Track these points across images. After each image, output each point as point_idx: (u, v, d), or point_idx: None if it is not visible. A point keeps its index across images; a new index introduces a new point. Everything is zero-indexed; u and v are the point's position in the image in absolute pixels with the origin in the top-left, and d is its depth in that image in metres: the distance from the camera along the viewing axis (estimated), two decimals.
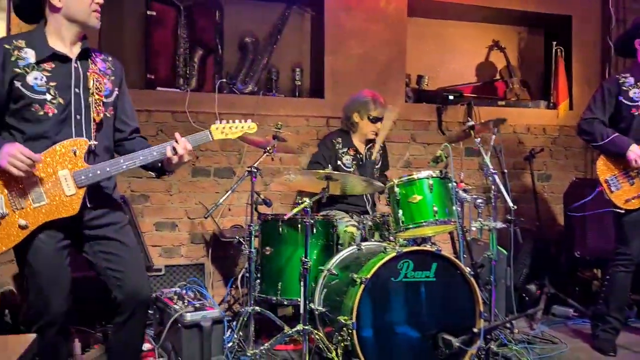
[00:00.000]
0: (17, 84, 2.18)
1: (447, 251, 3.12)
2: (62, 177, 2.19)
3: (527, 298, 4.20)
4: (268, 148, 3.33)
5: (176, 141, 2.30)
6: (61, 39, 2.27)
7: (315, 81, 4.77)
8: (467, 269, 3.01)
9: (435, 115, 4.85)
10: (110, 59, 2.44)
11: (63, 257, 2.26)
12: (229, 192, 3.28)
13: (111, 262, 2.32)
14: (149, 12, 4.33)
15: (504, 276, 3.68)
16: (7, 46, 2.20)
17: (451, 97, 4.82)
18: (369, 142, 3.98)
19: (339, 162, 3.84)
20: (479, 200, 3.28)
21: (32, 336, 1.27)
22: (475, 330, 2.97)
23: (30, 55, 2.21)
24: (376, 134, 3.95)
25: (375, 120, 3.86)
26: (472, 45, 5.32)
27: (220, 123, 2.41)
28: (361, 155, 3.93)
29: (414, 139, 4.83)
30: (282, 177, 3.36)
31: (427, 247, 3.08)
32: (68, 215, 2.20)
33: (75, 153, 2.21)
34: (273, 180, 4.37)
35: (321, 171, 3.16)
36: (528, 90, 5.35)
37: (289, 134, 3.41)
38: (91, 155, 2.28)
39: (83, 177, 2.20)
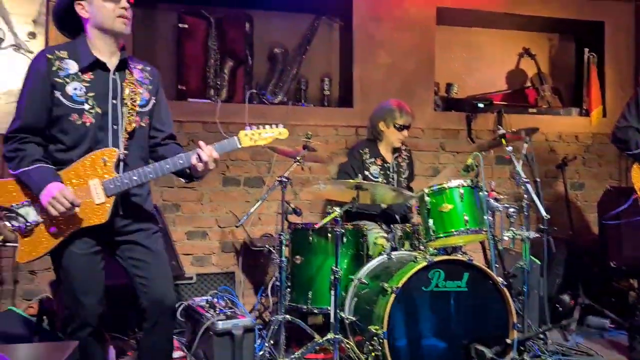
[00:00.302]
0: (57, 93, 2.25)
1: (478, 261, 3.09)
2: (93, 186, 2.24)
3: (560, 309, 4.12)
4: (298, 158, 3.35)
5: (200, 149, 2.30)
6: (98, 51, 2.32)
7: (344, 91, 4.79)
8: (500, 279, 2.98)
9: (464, 124, 4.82)
10: (148, 68, 2.49)
11: (96, 261, 2.32)
12: (260, 201, 3.30)
13: (138, 268, 2.36)
14: (180, 25, 4.42)
15: (537, 286, 3.63)
16: (49, 56, 2.28)
17: (481, 105, 4.78)
18: (396, 151, 3.97)
19: (366, 173, 3.84)
20: (511, 210, 3.25)
21: (74, 343, 1.31)
22: (508, 341, 2.94)
23: (71, 66, 2.28)
24: (403, 143, 3.95)
25: (402, 128, 3.86)
26: (502, 53, 5.28)
27: (250, 129, 2.37)
28: (388, 165, 3.93)
29: (443, 147, 4.80)
30: (313, 187, 3.38)
31: (459, 257, 3.05)
32: (98, 223, 2.24)
33: (105, 162, 2.26)
34: (302, 190, 4.39)
35: (351, 180, 3.17)
36: (559, 98, 5.27)
37: (319, 144, 3.42)
38: (122, 164, 2.32)
39: (112, 186, 2.25)
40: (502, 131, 3.42)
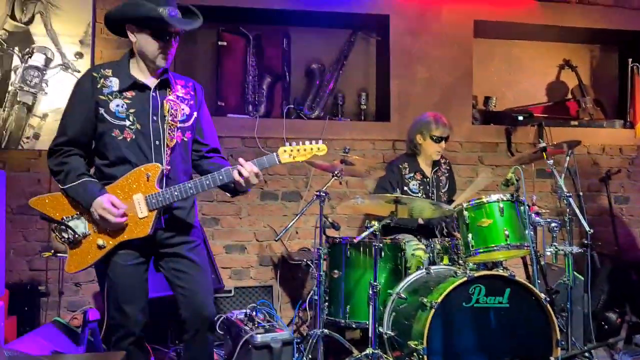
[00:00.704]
0: (101, 110, 2.34)
1: (520, 276, 3.03)
2: (136, 200, 2.32)
3: (606, 326, 3.99)
4: (336, 172, 3.37)
5: (241, 165, 2.35)
6: (141, 69, 2.41)
7: (380, 105, 4.80)
8: (542, 295, 2.92)
9: (503, 137, 4.76)
10: (190, 83, 2.56)
11: (140, 272, 2.38)
12: (299, 215, 3.33)
13: (181, 279, 2.41)
14: (220, 43, 4.51)
15: (581, 303, 3.53)
16: (94, 74, 2.38)
17: (520, 118, 4.71)
18: (435, 165, 3.95)
19: (405, 188, 3.82)
20: (554, 224, 3.19)
21: (121, 353, 1.34)
22: (552, 358, 2.87)
23: (114, 84, 2.37)
24: (442, 156, 3.93)
25: (439, 139, 3.83)
26: (542, 65, 5.20)
27: (289, 145, 2.41)
28: (427, 179, 3.90)
29: (482, 161, 4.75)
30: (350, 201, 3.39)
31: (500, 272, 3.00)
32: (141, 236, 2.32)
33: (148, 177, 2.33)
34: (340, 204, 4.40)
35: (389, 195, 3.16)
36: (602, 110, 5.16)
37: (356, 158, 3.43)
38: (166, 179, 2.38)
39: (154, 201, 2.32)
40: (543, 144, 3.37)
